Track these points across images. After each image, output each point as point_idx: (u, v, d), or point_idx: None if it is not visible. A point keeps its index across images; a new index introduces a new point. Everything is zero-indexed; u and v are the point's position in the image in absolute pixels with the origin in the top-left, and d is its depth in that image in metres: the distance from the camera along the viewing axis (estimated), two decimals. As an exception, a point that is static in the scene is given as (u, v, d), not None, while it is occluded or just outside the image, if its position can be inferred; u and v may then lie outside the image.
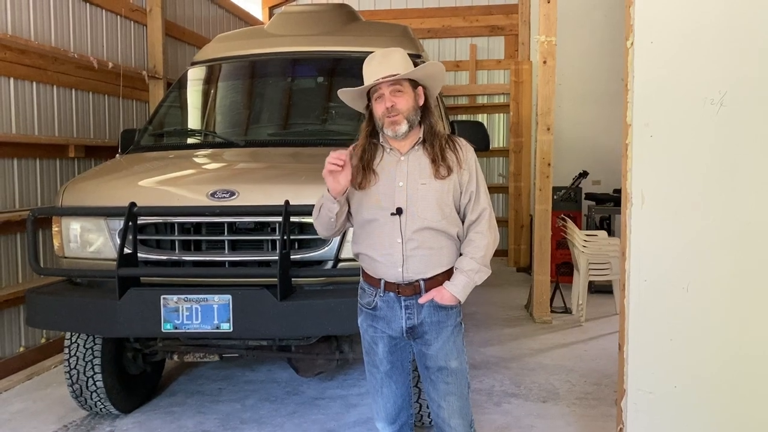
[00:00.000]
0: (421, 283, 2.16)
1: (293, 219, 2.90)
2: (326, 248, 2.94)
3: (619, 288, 5.72)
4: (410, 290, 2.17)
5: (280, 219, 2.81)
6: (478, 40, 9.11)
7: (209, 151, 3.69)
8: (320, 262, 2.97)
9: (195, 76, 4.31)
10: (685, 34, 2.13)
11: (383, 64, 2.14)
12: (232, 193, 2.94)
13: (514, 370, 4.37)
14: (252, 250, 3.01)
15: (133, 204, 2.89)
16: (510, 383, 4.12)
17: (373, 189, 2.17)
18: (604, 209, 7.04)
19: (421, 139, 2.18)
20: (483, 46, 9.17)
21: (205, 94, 4.26)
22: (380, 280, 2.19)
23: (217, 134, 3.90)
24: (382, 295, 2.19)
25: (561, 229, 6.18)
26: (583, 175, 7.20)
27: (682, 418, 2.19)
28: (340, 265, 2.96)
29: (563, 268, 6.48)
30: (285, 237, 2.78)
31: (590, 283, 5.69)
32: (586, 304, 5.62)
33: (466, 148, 2.23)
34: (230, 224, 2.96)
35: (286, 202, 2.81)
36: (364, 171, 2.17)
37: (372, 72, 2.14)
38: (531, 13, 8.30)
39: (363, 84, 2.18)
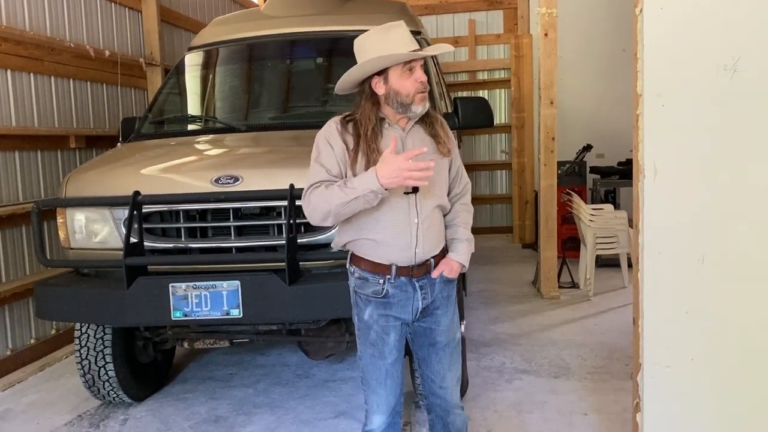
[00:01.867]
0: (432, 261, 2.14)
1: (299, 202, 2.87)
2: (332, 231, 2.90)
3: (625, 261, 5.75)
4: (422, 270, 2.13)
5: (285, 203, 2.78)
6: (476, 15, 8.98)
7: (210, 136, 3.65)
8: (327, 245, 2.94)
9: (192, 62, 4.25)
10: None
11: (408, 35, 2.04)
12: (236, 179, 2.90)
13: (525, 347, 4.37)
14: (259, 235, 2.98)
15: (137, 193, 2.86)
16: (521, 360, 4.12)
17: None
18: (609, 182, 7.00)
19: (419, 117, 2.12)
20: (482, 20, 9.04)
21: (204, 80, 4.20)
22: (391, 265, 2.09)
23: (217, 120, 3.86)
24: (393, 281, 2.10)
25: (566, 204, 6.14)
26: (587, 148, 7.14)
27: (700, 390, 2.17)
28: (348, 247, 2.93)
29: (569, 243, 6.45)
30: (291, 221, 2.75)
31: (597, 257, 5.67)
32: (593, 279, 5.60)
33: (447, 126, 2.25)
34: (236, 210, 2.94)
35: (291, 185, 2.78)
36: (375, 155, 2.01)
37: (402, 40, 2.01)
38: (530, -15, 8.19)
39: (358, 52, 2.05)
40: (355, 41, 2.11)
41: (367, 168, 2.01)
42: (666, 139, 2.14)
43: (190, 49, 4.35)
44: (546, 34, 5.57)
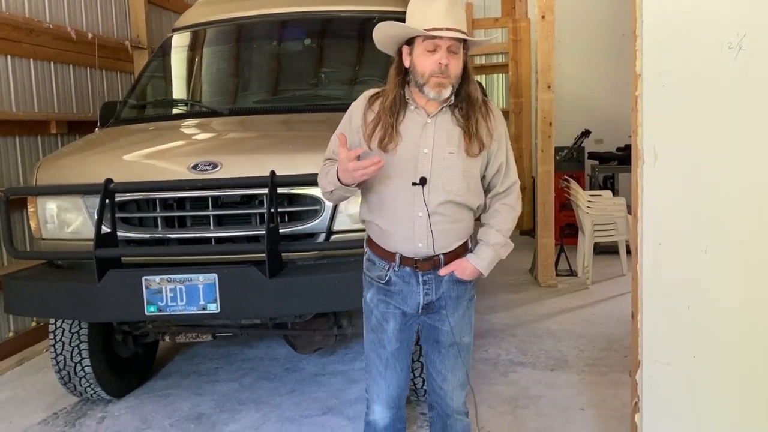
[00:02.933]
0: (441, 257, 2.00)
1: (281, 190, 2.73)
2: (318, 220, 2.78)
3: (624, 249, 5.63)
4: (429, 265, 2.00)
5: (266, 191, 2.64)
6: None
7: (191, 121, 3.50)
8: (312, 235, 2.81)
9: (176, 43, 4.08)
10: (702, -31, 1.92)
11: (452, 12, 1.86)
12: (215, 165, 2.76)
13: (521, 338, 4.25)
14: (239, 225, 2.84)
15: (109, 180, 2.72)
16: (516, 351, 4.00)
17: (394, 152, 1.92)
18: (608, 168, 6.86)
19: (452, 102, 1.94)
20: (479, 4, 8.85)
21: (187, 62, 4.04)
22: (395, 254, 1.99)
23: (200, 103, 3.70)
24: (396, 269, 2.01)
25: (564, 191, 6.00)
26: (586, 134, 6.99)
27: (703, 389, 2.05)
28: (333, 237, 2.80)
29: (567, 230, 6.33)
30: (272, 210, 2.61)
31: (595, 244, 5.55)
32: (592, 266, 5.48)
33: (498, 118, 2.03)
34: (215, 198, 2.79)
35: (272, 172, 2.64)
36: (392, 130, 1.91)
37: (436, 14, 1.85)
38: (528, -33, 8.00)
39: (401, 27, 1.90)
40: (409, 4, 1.95)
41: (382, 143, 1.92)
42: (667, 122, 1.99)
43: (175, 30, 4.18)
44: (543, 17, 5.41)
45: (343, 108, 3.54)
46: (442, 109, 1.95)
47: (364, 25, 3.89)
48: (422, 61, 1.88)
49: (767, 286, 1.98)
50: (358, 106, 2.03)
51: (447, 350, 2.09)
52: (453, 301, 2.05)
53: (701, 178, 1.97)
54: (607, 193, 5.79)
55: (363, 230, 2.76)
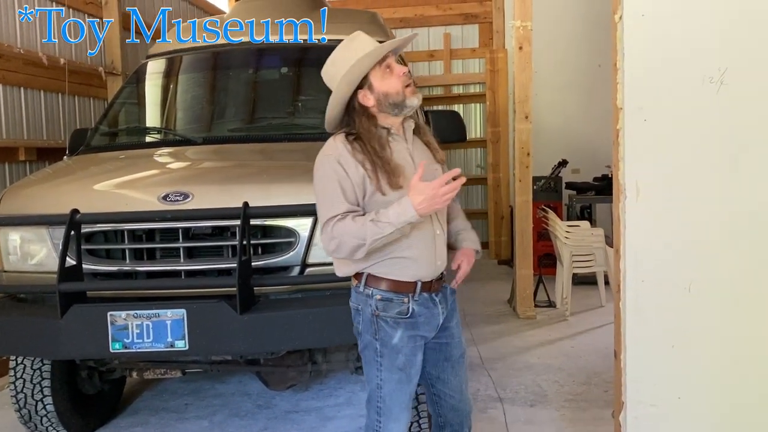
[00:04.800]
0: (444, 272, 2.09)
1: (255, 222, 2.65)
2: (292, 253, 2.69)
3: (602, 279, 5.61)
4: (440, 283, 2.09)
5: (238, 222, 2.55)
6: (451, 29, 8.89)
7: (164, 150, 3.40)
8: (286, 269, 2.72)
9: (151, 70, 4.01)
10: (680, 4, 1.91)
11: (371, 40, 1.99)
12: (186, 196, 2.67)
13: (500, 372, 4.17)
14: (210, 258, 2.74)
15: (75, 211, 2.61)
16: (496, 386, 3.92)
17: (404, 183, 1.92)
18: (585, 198, 6.89)
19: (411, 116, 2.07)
20: (457, 34, 8.93)
21: (161, 89, 3.96)
22: (415, 282, 2.00)
23: (173, 131, 3.61)
24: (416, 298, 2.01)
25: (542, 221, 5.99)
26: (563, 164, 7.03)
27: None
28: (308, 270, 2.71)
29: (545, 260, 6.30)
30: (244, 242, 2.52)
31: (574, 274, 5.52)
32: (570, 297, 5.44)
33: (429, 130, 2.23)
34: (185, 230, 2.69)
35: (245, 203, 2.56)
36: (391, 167, 1.92)
37: (369, 42, 1.97)
38: (505, -1, 8.11)
39: (330, 79, 2.01)
40: (323, 73, 2.05)
41: (392, 184, 1.92)
42: (649, 157, 1.97)
43: (149, 56, 4.11)
44: (521, 48, 5.45)
45: (321, 138, 3.52)
46: (410, 130, 2.05)
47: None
48: (390, 83, 1.96)
49: (753, 325, 1.93)
50: (342, 154, 1.95)
51: (458, 361, 2.16)
52: (453, 312, 2.15)
53: (685, 214, 1.94)
54: (585, 223, 5.79)
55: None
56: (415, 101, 1.98)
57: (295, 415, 3.54)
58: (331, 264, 2.73)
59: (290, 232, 2.71)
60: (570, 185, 7.07)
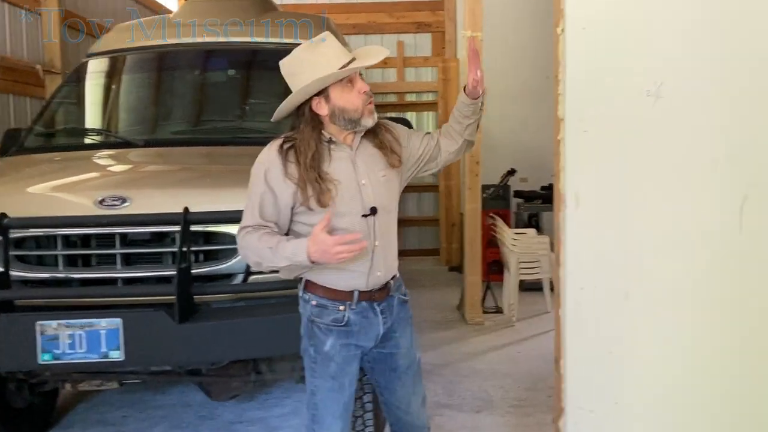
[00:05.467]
0: (391, 282, 2.04)
1: (196, 228, 2.58)
2: (235, 260, 2.62)
3: (548, 286, 5.72)
4: (384, 293, 2.03)
5: (178, 228, 2.48)
6: (405, 37, 8.93)
7: (103, 152, 3.29)
8: (228, 276, 2.65)
9: (91, 69, 3.87)
10: (620, 20, 1.96)
11: (341, 47, 1.94)
12: (124, 200, 2.58)
13: (447, 378, 4.18)
14: (149, 265, 2.65)
15: (2, 215, 2.49)
16: (443, 392, 3.92)
17: (336, 198, 1.91)
18: (533, 207, 7.01)
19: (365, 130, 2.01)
20: (410, 43, 8.99)
21: (102, 89, 3.83)
22: (352, 292, 1.97)
23: (113, 133, 3.49)
24: (354, 307, 1.98)
25: (491, 228, 6.07)
26: (511, 172, 7.13)
27: (625, 438, 2.02)
28: (252, 278, 2.65)
29: (494, 267, 6.38)
30: (184, 249, 2.45)
31: (520, 281, 5.61)
32: (517, 303, 5.52)
33: (391, 123, 2.13)
34: (122, 236, 2.60)
35: (186, 209, 2.49)
36: (320, 184, 1.88)
37: (334, 54, 1.89)
38: (457, 9, 8.19)
39: (290, 76, 1.93)
40: (283, 64, 1.97)
41: (320, 201, 1.88)
42: (589, 167, 2.00)
43: (90, 55, 3.97)
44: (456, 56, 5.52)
45: (267, 142, 3.46)
46: (359, 138, 1.98)
47: (272, 56, 3.83)
48: (348, 98, 1.90)
49: (687, 331, 1.99)
50: (272, 164, 1.93)
51: (406, 372, 2.12)
52: (403, 322, 2.10)
53: (623, 223, 1.98)
54: (532, 231, 5.88)
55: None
56: (369, 122, 1.94)
57: (239, 426, 3.46)
58: (276, 272, 2.71)
59: (233, 239, 2.63)
60: (518, 194, 7.18)
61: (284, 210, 1.93)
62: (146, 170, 3.07)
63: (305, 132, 1.92)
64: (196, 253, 2.62)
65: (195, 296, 2.53)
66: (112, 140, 3.41)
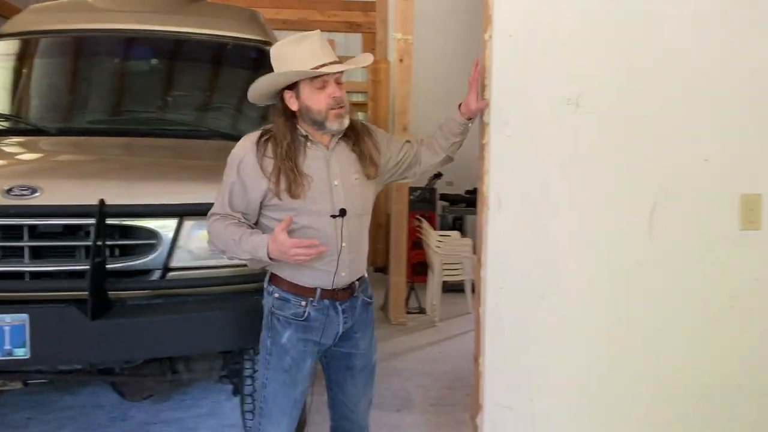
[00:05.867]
0: (356, 283, 2.06)
1: (112, 221, 2.47)
2: (153, 255, 2.53)
3: (469, 287, 5.86)
4: (348, 293, 2.04)
5: (93, 221, 2.37)
6: (335, 36, 8.90)
7: (11, 139, 3.08)
8: (146, 272, 2.56)
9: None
10: (544, 30, 2.04)
11: (325, 47, 1.93)
12: (34, 190, 2.43)
13: (368, 378, 4.20)
14: (61, 259, 2.51)
15: None
16: (363, 392, 3.94)
17: (308, 193, 1.93)
18: (457, 210, 7.17)
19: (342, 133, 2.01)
20: (341, 42, 8.97)
21: (11, 73, 3.59)
22: (315, 288, 1.98)
23: (22, 119, 3.29)
24: (315, 304, 1.99)
25: (416, 230, 6.15)
26: (438, 176, 7.24)
27: (539, 434, 2.10)
28: (170, 274, 2.56)
29: (418, 268, 6.48)
30: (99, 243, 2.34)
31: (444, 282, 5.72)
32: (439, 304, 5.62)
33: (374, 128, 2.16)
34: (31, 227, 2.45)
35: (101, 201, 2.38)
36: (295, 175, 1.90)
37: (313, 53, 1.89)
38: (389, 11, 8.25)
39: (273, 62, 1.95)
40: (272, 49, 2.00)
41: (291, 191, 1.90)
42: (511, 171, 2.07)
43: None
44: (401, 60, 5.58)
45: (191, 135, 3.35)
46: (336, 140, 2.00)
47: (218, 50, 3.75)
48: (315, 100, 1.91)
49: (598, 332, 2.08)
50: (247, 152, 1.95)
51: (360, 373, 2.15)
52: (363, 324, 2.12)
53: (542, 226, 2.06)
54: (456, 233, 6.02)
55: (205, 267, 2.62)
56: (335, 126, 1.93)
57: (153, 427, 3.34)
58: (196, 268, 2.64)
59: (151, 234, 2.55)
60: (444, 197, 7.32)
61: (253, 203, 1.96)
62: (59, 159, 2.92)
63: (279, 123, 1.95)
64: (112, 247, 2.51)
65: (109, 292, 2.42)
66: (21, 127, 3.21)
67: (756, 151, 2.07)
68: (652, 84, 2.05)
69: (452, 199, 7.23)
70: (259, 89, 1.98)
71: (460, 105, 2.09)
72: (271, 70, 2.01)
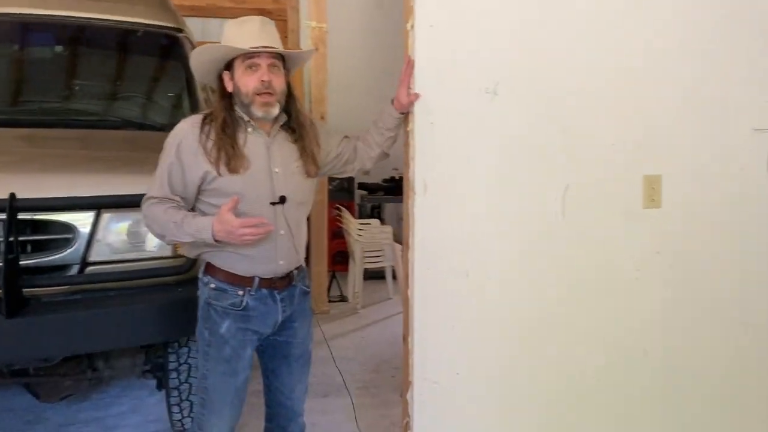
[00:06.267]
0: (294, 272, 2.05)
1: (24, 216, 2.35)
2: (70, 250, 2.45)
3: (390, 274, 5.97)
4: (286, 282, 2.04)
5: (3, 216, 2.25)
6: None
7: None
8: (63, 267, 2.46)
9: None
10: (465, 20, 2.12)
11: (265, 31, 1.93)
12: (-66, 185, 2.28)
13: (294, 366, 4.22)
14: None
15: None
16: (290, 380, 3.95)
17: (246, 176, 1.90)
18: (375, 198, 7.26)
19: (284, 121, 2.02)
20: (252, 30, 8.80)
21: None
22: (252, 277, 1.96)
23: None
24: (253, 293, 1.97)
25: (336, 219, 6.19)
26: (355, 165, 7.33)
27: (468, 405, 2.21)
28: (89, 269, 2.48)
29: (338, 257, 6.52)
30: (11, 238, 2.23)
31: (365, 270, 5.80)
32: (361, 291, 5.70)
33: (317, 122, 2.19)
34: (-68, 224, 2.30)
35: (12, 195, 2.26)
36: (233, 150, 1.89)
37: (251, 34, 1.89)
38: (300, -1, 8.19)
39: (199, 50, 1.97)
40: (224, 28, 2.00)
41: (229, 165, 1.88)
42: (435, 157, 2.15)
43: None
44: (316, 49, 5.57)
45: (99, 125, 3.22)
46: (278, 129, 2.00)
47: (127, 37, 3.61)
48: (245, 81, 1.91)
49: (519, 307, 2.22)
50: (187, 134, 1.93)
51: (297, 361, 2.15)
52: (302, 314, 2.12)
53: (464, 208, 2.15)
54: (376, 221, 6.10)
55: (125, 261, 2.55)
56: (260, 113, 1.91)
57: (71, 428, 3.21)
58: (115, 262, 2.56)
59: (67, 228, 2.45)
60: (362, 186, 7.39)
61: (191, 186, 1.92)
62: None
63: (218, 103, 1.96)
64: (25, 243, 2.39)
65: (24, 289, 2.31)
66: None
67: (657, 135, 2.26)
68: (563, 73, 2.18)
69: (370, 188, 7.32)
70: (198, 61, 1.98)
71: (393, 100, 2.14)
72: (183, 57, 2.02)
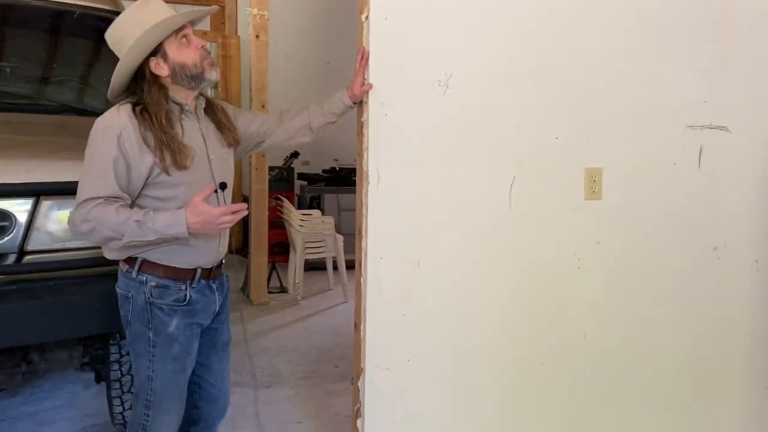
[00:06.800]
0: (222, 261, 2.06)
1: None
2: (6, 238, 2.34)
3: (331, 265, 5.98)
4: (218, 270, 2.05)
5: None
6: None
7: None
8: (-1, 256, 2.35)
9: None
10: (419, 13, 2.16)
11: (166, 7, 1.89)
12: None
13: (235, 358, 4.14)
14: None
15: None
16: (232, 371, 3.84)
17: (194, 166, 1.87)
18: (315, 189, 7.24)
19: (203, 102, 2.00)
20: (187, 14, 8.55)
21: None
22: (195, 270, 1.94)
23: None
24: (194, 286, 1.94)
25: (276, 209, 6.14)
26: (295, 155, 7.27)
27: (419, 391, 2.27)
28: (27, 258, 2.38)
29: (277, 248, 6.47)
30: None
31: (306, 261, 5.79)
32: (302, 282, 5.69)
33: (224, 102, 2.16)
34: None
35: (-55, 179, 2.14)
36: (177, 145, 1.83)
37: (166, 10, 1.86)
38: (238, -15, 8.04)
39: (117, 44, 1.87)
40: (108, 34, 1.89)
41: (177, 162, 1.81)
42: (388, 147, 2.18)
43: None
44: (258, 36, 5.50)
45: (34, 109, 3.09)
46: (202, 102, 1.98)
47: (62, 18, 3.46)
48: (187, 54, 1.88)
49: (468, 295, 2.28)
50: (126, 125, 1.79)
51: (224, 347, 2.16)
52: (226, 300, 2.14)
53: (416, 198, 2.20)
54: (317, 212, 6.10)
55: (66, 250, 2.46)
56: (213, 75, 1.92)
57: (2, 425, 3.08)
58: (55, 251, 2.46)
59: (3, 215, 2.34)
60: (302, 176, 7.35)
61: (136, 181, 1.82)
62: None
63: (153, 93, 1.85)
64: (-44, 230, 2.27)
65: (-44, 279, 2.20)
66: None
67: (598, 129, 2.37)
68: (511, 67, 2.26)
69: (310, 179, 7.29)
70: (128, 66, 1.84)
71: (347, 88, 2.16)
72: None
